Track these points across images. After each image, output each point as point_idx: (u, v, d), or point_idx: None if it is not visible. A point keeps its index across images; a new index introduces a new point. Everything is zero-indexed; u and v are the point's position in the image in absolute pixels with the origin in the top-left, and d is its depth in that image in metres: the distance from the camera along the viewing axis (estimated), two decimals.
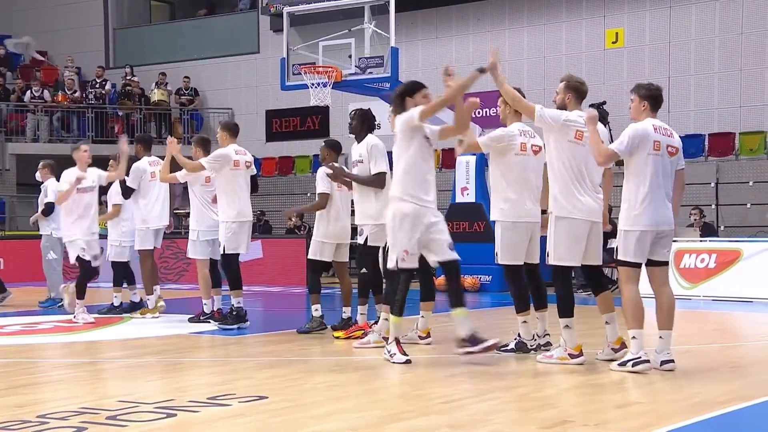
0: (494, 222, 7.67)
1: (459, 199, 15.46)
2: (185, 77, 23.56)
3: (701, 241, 14.12)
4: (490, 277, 14.84)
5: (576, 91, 7.18)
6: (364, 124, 8.61)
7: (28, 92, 22.71)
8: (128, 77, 23.46)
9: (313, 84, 14.47)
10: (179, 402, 5.53)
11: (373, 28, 14.50)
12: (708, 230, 15.19)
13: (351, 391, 6.13)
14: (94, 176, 10.32)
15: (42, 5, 25.92)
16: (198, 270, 9.84)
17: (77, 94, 22.97)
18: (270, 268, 16.20)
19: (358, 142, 8.53)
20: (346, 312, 8.95)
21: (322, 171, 8.85)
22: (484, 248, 14.99)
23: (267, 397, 5.72)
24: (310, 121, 22.26)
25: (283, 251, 16.37)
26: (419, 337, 8.16)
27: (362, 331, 8.43)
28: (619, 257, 6.77)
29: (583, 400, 5.74)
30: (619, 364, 6.66)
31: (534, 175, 7.51)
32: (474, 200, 15.19)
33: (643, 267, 6.83)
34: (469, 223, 15.12)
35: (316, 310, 9.00)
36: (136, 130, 21.56)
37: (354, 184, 8.46)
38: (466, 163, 15.40)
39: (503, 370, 6.89)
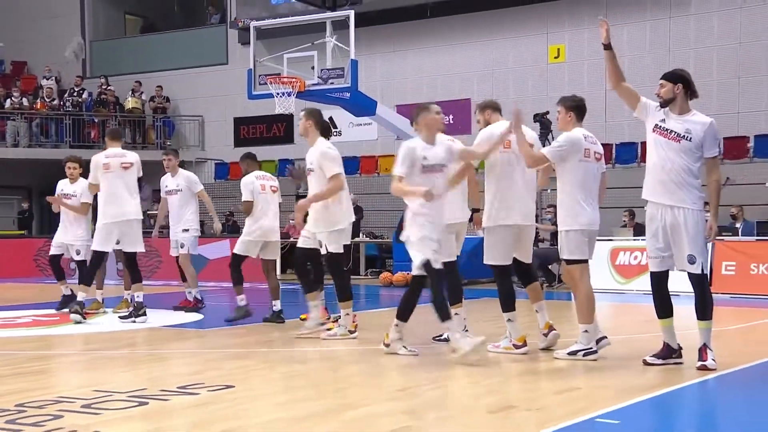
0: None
1: None
2: (158, 86, 23.37)
3: (634, 240, 14.30)
4: None
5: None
6: (318, 125, 8.02)
7: (8, 100, 22.40)
8: (104, 86, 23.24)
9: (278, 93, 14.43)
10: (151, 391, 5.47)
11: (334, 42, 14.49)
12: (640, 230, 15.37)
13: (312, 381, 6.11)
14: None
15: (22, 18, 25.52)
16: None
17: (56, 102, 22.72)
18: None
19: (311, 146, 8.00)
20: (276, 305, 9.19)
21: (246, 180, 9.28)
22: None
23: (234, 386, 5.68)
24: (276, 128, 22.19)
25: None
26: (515, 346, 7.09)
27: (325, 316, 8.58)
28: (566, 257, 6.79)
29: (525, 387, 5.79)
30: (569, 353, 6.69)
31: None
32: None
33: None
34: None
35: (242, 300, 9.21)
36: None
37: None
38: None
39: (451, 360, 6.91)
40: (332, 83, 14.68)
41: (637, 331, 9.20)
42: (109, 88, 23.23)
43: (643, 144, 18.23)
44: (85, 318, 9.15)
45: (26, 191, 21.99)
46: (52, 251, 10.47)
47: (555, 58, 19.14)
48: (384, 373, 6.40)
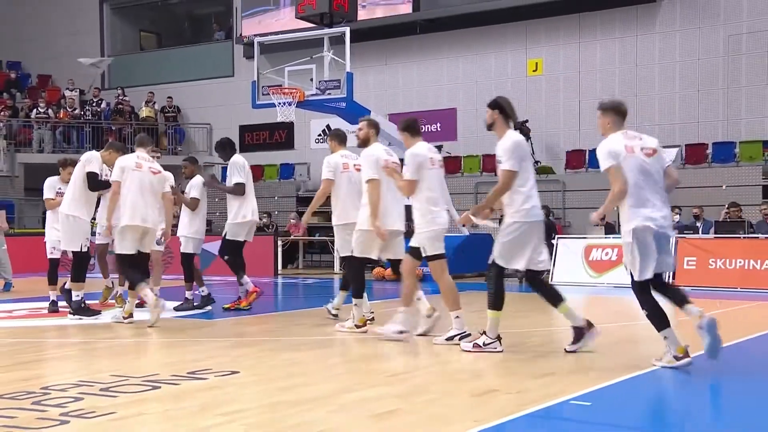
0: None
1: (407, 202, 15.46)
2: (169, 97, 23.35)
3: (605, 237, 14.33)
4: None
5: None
6: (225, 150, 9.36)
7: (35, 110, 22.43)
8: (120, 97, 23.22)
9: (279, 103, 14.42)
10: (163, 376, 5.46)
11: (331, 56, 14.48)
12: (610, 229, 15.42)
13: (311, 367, 6.10)
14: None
15: (47, 35, 25.50)
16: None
17: (77, 111, 22.69)
18: None
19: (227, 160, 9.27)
20: (189, 294, 9.45)
21: (198, 180, 9.51)
22: None
23: (239, 372, 5.67)
24: (278, 135, 22.16)
25: (253, 246, 16.19)
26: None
27: (255, 293, 9.23)
28: (429, 253, 6.88)
29: (505, 372, 5.78)
30: (446, 339, 6.80)
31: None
32: None
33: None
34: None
35: (203, 291, 9.47)
36: (127, 142, 21.31)
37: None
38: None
39: (438, 348, 6.91)
40: (329, 94, 14.68)
41: (607, 321, 9.21)
42: (125, 98, 23.21)
43: None
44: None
45: None
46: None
47: (533, 71, 19.17)
48: (377, 360, 6.39)
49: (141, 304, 9.18)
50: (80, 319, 8.59)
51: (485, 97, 19.50)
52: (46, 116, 22.23)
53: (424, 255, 6.91)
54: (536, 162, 18.18)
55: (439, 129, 19.87)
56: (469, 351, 6.42)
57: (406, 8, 20.02)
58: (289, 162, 21.46)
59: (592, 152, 18.05)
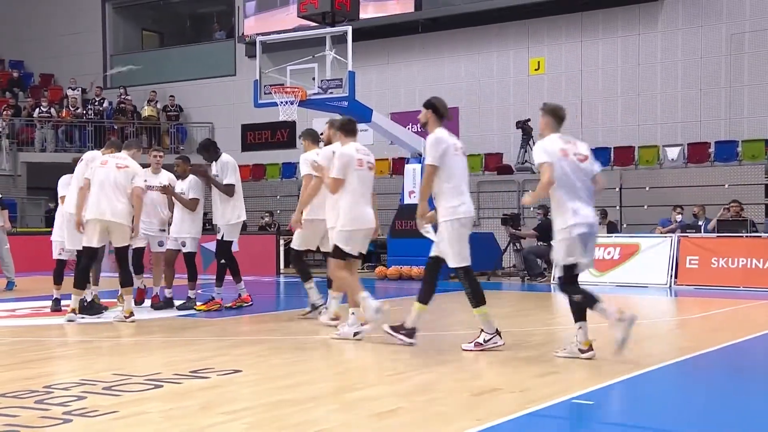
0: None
1: (407, 200, 15.49)
2: (171, 96, 23.35)
3: (608, 236, 14.31)
4: None
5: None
6: (210, 151, 9.29)
7: (37, 109, 22.43)
8: (123, 96, 23.22)
9: (281, 102, 14.39)
10: (165, 375, 5.46)
11: (333, 55, 14.45)
12: (612, 228, 15.43)
13: (313, 366, 6.11)
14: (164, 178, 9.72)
15: (49, 35, 25.52)
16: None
17: (79, 111, 22.70)
18: (244, 260, 16.04)
19: (215, 161, 9.25)
20: (171, 292, 9.48)
21: (194, 179, 9.44)
22: (429, 243, 15.07)
23: (241, 371, 5.67)
24: (279, 134, 22.16)
25: (255, 245, 16.26)
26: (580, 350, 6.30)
27: (218, 305, 9.22)
28: (343, 249, 7.14)
29: (508, 371, 5.77)
30: (339, 335, 7.16)
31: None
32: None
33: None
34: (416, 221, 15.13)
35: (169, 293, 9.50)
36: None
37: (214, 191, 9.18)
38: (413, 170, 15.44)
39: (439, 347, 6.92)
40: (331, 93, 14.65)
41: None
42: (127, 97, 23.22)
43: (616, 149, 18.36)
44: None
45: (53, 192, 21.92)
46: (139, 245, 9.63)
47: (535, 70, 19.15)
48: (378, 359, 6.39)
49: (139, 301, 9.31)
50: (82, 317, 8.59)
51: (487, 96, 19.68)
52: (48, 115, 22.25)
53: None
54: None
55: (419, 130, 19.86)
56: (471, 350, 6.45)
57: (407, 7, 20.03)
58: (291, 161, 21.44)
59: (595, 151, 17.95)
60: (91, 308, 8.87)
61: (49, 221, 21.10)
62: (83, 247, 8.52)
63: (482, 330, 6.49)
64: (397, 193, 16.41)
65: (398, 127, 16.29)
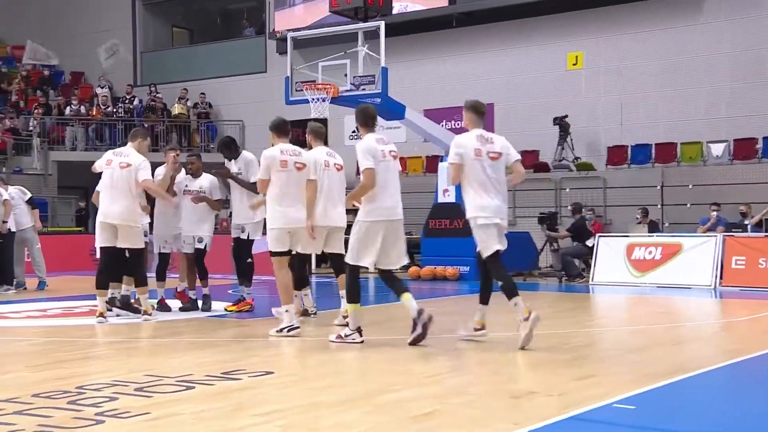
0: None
1: (441, 199, 15.47)
2: (201, 93, 23.57)
3: (648, 236, 14.16)
4: (468, 267, 14.86)
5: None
6: (231, 148, 9.29)
7: (68, 107, 22.78)
8: (153, 94, 23.49)
9: (313, 99, 14.45)
10: (197, 376, 5.51)
11: (365, 51, 14.47)
12: (654, 227, 15.26)
13: (346, 367, 6.13)
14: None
15: (80, 32, 25.89)
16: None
17: (110, 109, 23.02)
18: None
19: (235, 159, 9.28)
20: (206, 290, 9.61)
21: (213, 179, 9.51)
22: (463, 242, 15.07)
23: (273, 372, 5.70)
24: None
25: None
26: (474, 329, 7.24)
27: (249, 305, 9.30)
28: (272, 249, 7.47)
29: (546, 374, 5.74)
30: (277, 331, 7.40)
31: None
32: (454, 200, 15.20)
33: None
34: (450, 220, 15.13)
35: (193, 292, 9.63)
36: (160, 140, 21.60)
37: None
38: (447, 168, 15.37)
39: (475, 349, 6.89)
40: (364, 89, 14.67)
41: (651, 322, 9.11)
42: (158, 95, 23.49)
43: (657, 146, 18.17)
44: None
45: (83, 191, 22.26)
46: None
47: (573, 65, 18.98)
48: (411, 361, 6.38)
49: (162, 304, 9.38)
50: (117, 315, 8.71)
51: (523, 92, 19.57)
52: (79, 114, 22.60)
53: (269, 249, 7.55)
54: (576, 158, 18.05)
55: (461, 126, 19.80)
56: (333, 342, 7.03)
57: (441, 1, 19.98)
58: None
59: (635, 148, 17.87)
60: (128, 307, 8.99)
61: (80, 221, 21.53)
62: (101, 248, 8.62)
63: (347, 324, 7.15)
64: (431, 191, 16.39)
65: (432, 123, 16.27)
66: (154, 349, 7.15)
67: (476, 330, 7.09)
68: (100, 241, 8.55)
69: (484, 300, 7.08)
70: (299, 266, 8.63)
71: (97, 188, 8.95)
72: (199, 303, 9.59)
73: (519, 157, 7.13)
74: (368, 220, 6.91)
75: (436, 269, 14.98)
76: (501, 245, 6.85)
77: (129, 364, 6.28)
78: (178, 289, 9.82)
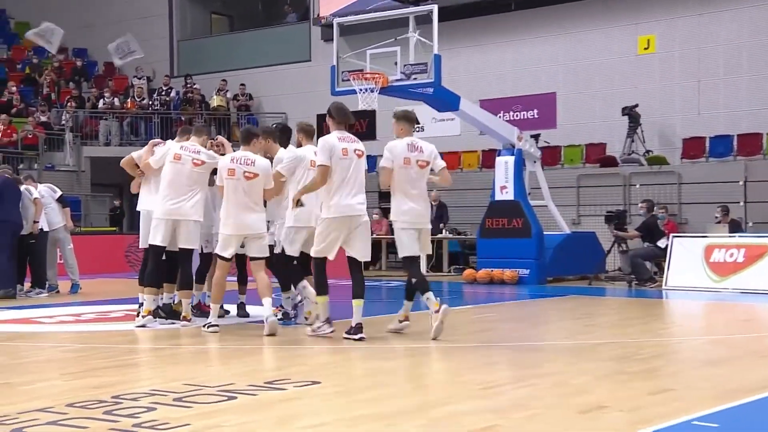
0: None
1: (498, 197, 15.38)
2: (241, 84, 23.80)
3: (730, 236, 13.87)
4: (529, 270, 14.75)
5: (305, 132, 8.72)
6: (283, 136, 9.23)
7: (101, 100, 23.13)
8: (189, 85, 23.77)
9: (361, 89, 14.46)
10: (239, 386, 5.57)
11: (417, 37, 14.43)
12: (735, 226, 14.92)
13: (398, 377, 6.13)
14: None
15: (113, 21, 26.33)
16: None
17: (145, 101, 23.33)
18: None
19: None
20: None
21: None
22: (523, 243, 15.01)
23: (319, 382, 5.73)
24: (359, 124, 22.24)
25: None
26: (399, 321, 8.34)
27: None
28: (218, 251, 8.31)
29: (617, 387, 5.67)
30: (204, 326, 8.21)
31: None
32: (512, 198, 15.10)
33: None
34: (508, 219, 15.04)
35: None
36: None
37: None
38: (505, 163, 15.31)
39: (537, 358, 6.83)
40: (415, 78, 14.64)
41: (733, 331, 8.93)
42: (195, 86, 23.76)
43: (740, 137, 17.76)
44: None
45: (118, 189, 22.65)
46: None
47: (645, 49, 18.68)
48: (466, 370, 6.36)
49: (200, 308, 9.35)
50: (154, 320, 8.79)
51: (589, 79, 19.34)
52: (113, 107, 22.96)
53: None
54: (647, 151, 17.78)
55: (536, 116, 19.65)
56: (310, 335, 7.80)
57: None
58: (371, 154, 21.46)
59: (714, 139, 17.53)
60: (170, 313, 9.05)
61: (115, 220, 21.92)
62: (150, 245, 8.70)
63: (317, 316, 7.92)
64: (487, 188, 16.31)
65: (488, 115, 16.18)
66: (194, 356, 7.24)
67: (400, 321, 8.17)
68: (158, 238, 8.57)
69: (410, 296, 8.17)
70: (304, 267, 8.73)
71: (137, 180, 9.08)
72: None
73: (445, 164, 8.23)
74: (326, 217, 7.64)
75: (493, 272, 14.90)
76: (420, 249, 8.05)
77: (167, 373, 6.38)
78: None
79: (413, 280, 7.97)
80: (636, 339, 7.92)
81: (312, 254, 7.90)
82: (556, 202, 16.29)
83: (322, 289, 7.84)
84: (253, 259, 8.37)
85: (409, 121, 8.15)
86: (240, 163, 8.20)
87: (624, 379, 5.93)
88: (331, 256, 7.80)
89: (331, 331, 7.75)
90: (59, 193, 13.20)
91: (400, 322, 8.17)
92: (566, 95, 19.38)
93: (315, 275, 7.93)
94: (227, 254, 8.25)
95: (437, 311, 7.61)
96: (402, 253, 7.99)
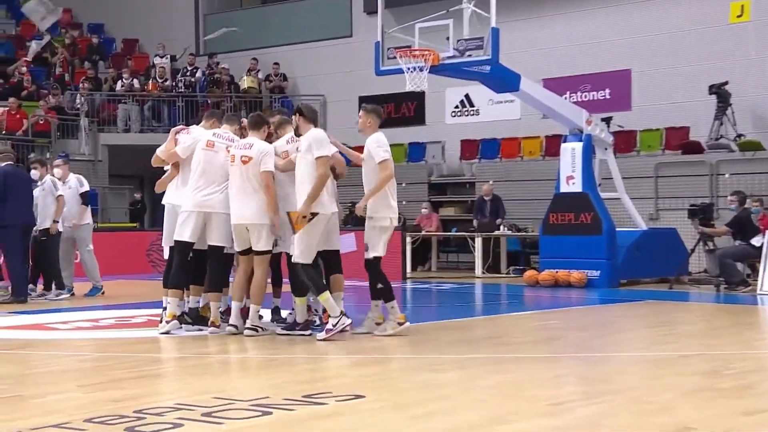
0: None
1: (564, 188, 15.26)
2: (275, 63, 23.85)
3: None
4: (599, 272, 14.63)
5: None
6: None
7: (119, 81, 23.18)
8: (219, 65, 23.77)
9: (408, 68, 14.41)
10: (274, 400, 5.60)
11: (472, 8, 14.37)
12: None
13: (451, 391, 6.11)
14: None
15: None
16: None
17: (168, 83, 23.36)
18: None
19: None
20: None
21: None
22: (592, 241, 14.90)
23: (364, 396, 5.75)
24: (405, 108, 22.31)
25: None
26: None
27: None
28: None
29: (705, 405, 5.59)
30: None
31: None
32: (581, 189, 14.97)
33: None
34: (575, 214, 14.93)
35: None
36: None
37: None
38: (572, 150, 15.19)
39: (609, 372, 6.76)
40: (470, 55, 14.57)
41: None
42: (222, 66, 23.78)
43: None
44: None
45: (138, 180, 22.90)
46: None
47: (738, 16, 18.33)
48: (528, 384, 6.33)
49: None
50: (179, 326, 8.86)
51: (670, 54, 19.08)
52: (132, 89, 23.05)
53: None
54: (739, 135, 17.49)
55: (608, 96, 19.46)
56: (325, 339, 8.11)
57: None
58: (419, 141, 21.57)
59: None
60: (197, 318, 9.09)
61: (135, 215, 22.15)
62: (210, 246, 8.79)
63: (329, 316, 8.27)
64: (551, 179, 16.20)
65: (553, 96, 16.07)
66: (224, 367, 7.31)
67: (400, 324, 8.50)
68: (186, 234, 8.65)
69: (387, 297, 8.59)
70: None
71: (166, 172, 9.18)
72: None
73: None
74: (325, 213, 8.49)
75: (558, 273, 14.80)
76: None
77: (195, 385, 6.44)
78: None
79: (379, 285, 8.52)
80: (725, 351, 7.82)
81: (295, 260, 8.44)
82: (631, 195, 16.12)
83: (321, 287, 8.36)
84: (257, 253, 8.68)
85: (378, 115, 8.92)
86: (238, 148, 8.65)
87: (713, 396, 5.85)
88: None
89: (350, 323, 8.30)
90: (86, 187, 13.29)
91: (401, 324, 8.54)
92: (643, 72, 19.14)
93: (309, 276, 8.38)
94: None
95: (400, 324, 8.45)
96: (373, 252, 8.51)
